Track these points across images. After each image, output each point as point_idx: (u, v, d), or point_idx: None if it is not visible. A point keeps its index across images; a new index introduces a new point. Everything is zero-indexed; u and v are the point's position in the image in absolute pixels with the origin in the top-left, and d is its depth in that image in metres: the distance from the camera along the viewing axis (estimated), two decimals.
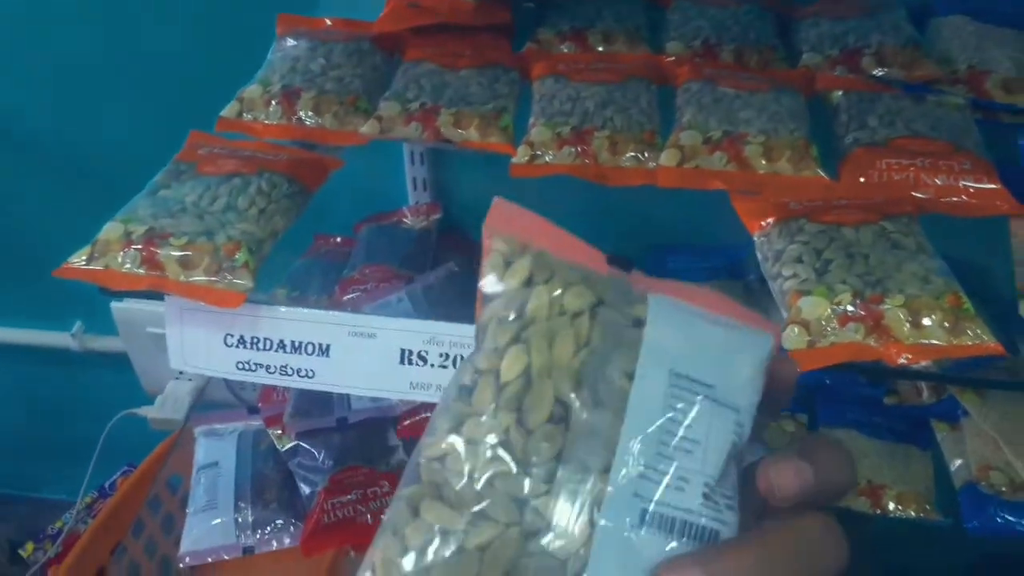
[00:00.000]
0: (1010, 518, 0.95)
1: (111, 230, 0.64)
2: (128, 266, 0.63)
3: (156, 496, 1.20)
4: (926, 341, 0.57)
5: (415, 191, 1.18)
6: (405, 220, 1.18)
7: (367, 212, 1.20)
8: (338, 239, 1.22)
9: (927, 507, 0.99)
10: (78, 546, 1.06)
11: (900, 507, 0.99)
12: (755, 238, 0.67)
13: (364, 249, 1.13)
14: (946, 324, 0.57)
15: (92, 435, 1.38)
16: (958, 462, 1.01)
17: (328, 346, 0.63)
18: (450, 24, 0.86)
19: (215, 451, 1.04)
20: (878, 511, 0.99)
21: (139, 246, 0.63)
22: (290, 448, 1.00)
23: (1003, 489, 0.96)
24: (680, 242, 1.14)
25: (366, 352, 0.62)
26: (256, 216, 0.66)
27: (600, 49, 0.87)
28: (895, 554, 1.19)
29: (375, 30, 0.86)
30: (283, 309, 0.63)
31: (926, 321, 0.57)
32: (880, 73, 0.81)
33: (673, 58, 0.84)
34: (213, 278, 0.62)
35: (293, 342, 0.63)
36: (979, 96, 0.79)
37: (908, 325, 0.57)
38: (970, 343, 0.56)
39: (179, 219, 0.64)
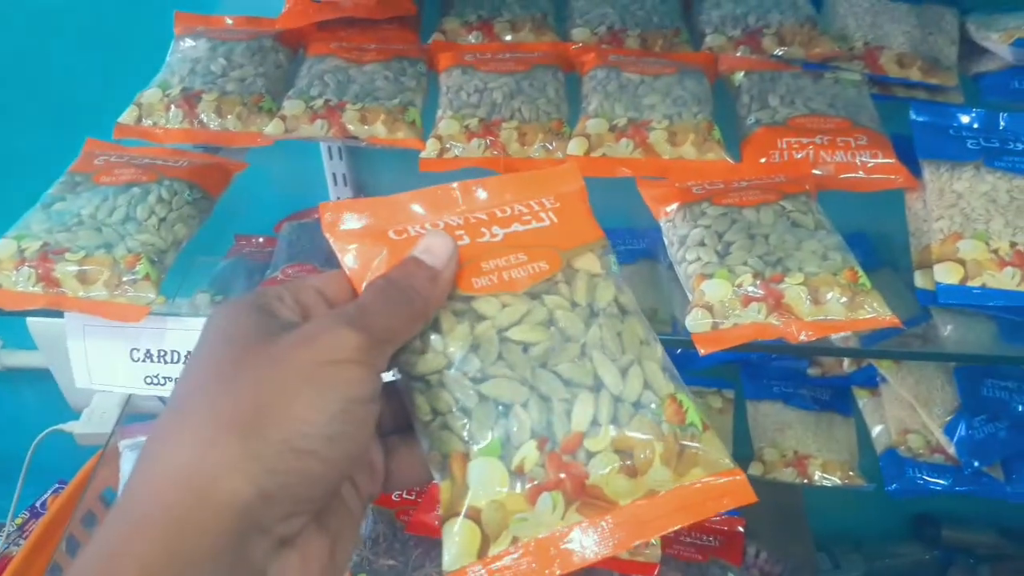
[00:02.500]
0: (928, 478, 0.99)
1: (3, 248, 0.62)
2: (23, 285, 0.61)
3: (90, 512, 1.17)
4: (825, 317, 0.58)
5: (335, 186, 1.17)
6: None
7: (288, 210, 1.18)
8: (260, 239, 1.19)
9: (851, 473, 1.02)
10: (10, 569, 1.04)
11: (826, 475, 1.02)
12: (661, 223, 0.68)
13: (286, 248, 1.11)
14: (844, 300, 0.58)
15: (18, 454, 1.34)
16: (879, 428, 1.04)
17: None
18: (354, 18, 0.85)
19: None
20: (804, 480, 1.02)
21: (34, 263, 0.61)
22: None
23: (920, 451, 0.99)
24: (604, 226, 1.15)
25: None
26: (156, 226, 0.64)
27: (508, 38, 0.87)
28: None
29: (277, 26, 0.85)
30: (189, 319, 0.62)
31: (825, 298, 0.58)
32: (780, 52, 0.82)
33: (579, 45, 0.84)
34: (114, 292, 0.60)
35: None
36: (875, 71, 0.81)
37: (808, 302, 0.58)
38: (868, 317, 0.58)
39: (75, 233, 0.63)
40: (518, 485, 0.35)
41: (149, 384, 0.62)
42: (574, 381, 0.37)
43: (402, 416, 0.39)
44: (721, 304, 0.59)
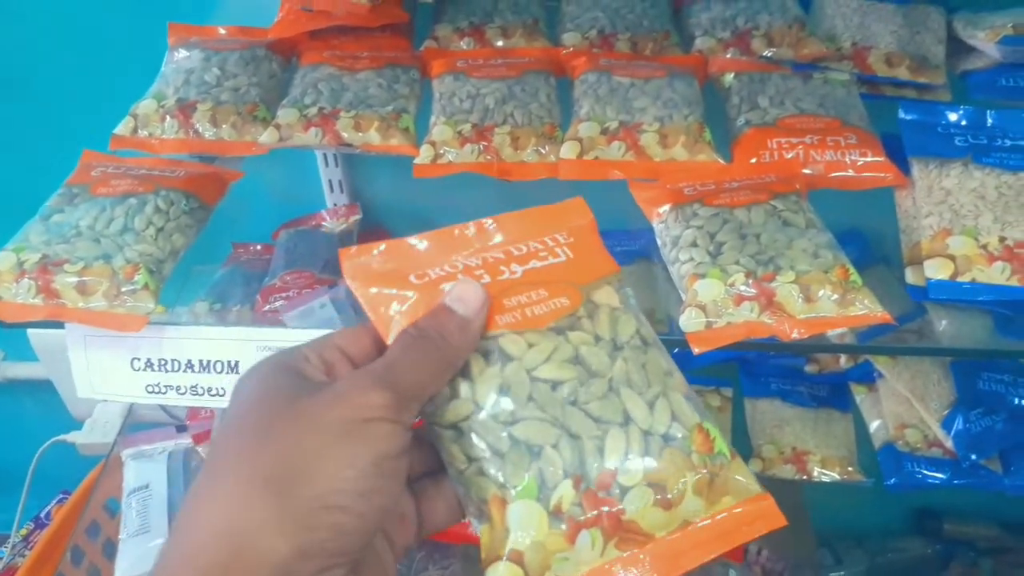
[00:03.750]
0: (926, 472, 0.99)
1: (3, 260, 0.63)
2: (23, 297, 0.61)
3: (94, 522, 1.17)
4: (817, 315, 0.59)
5: (332, 193, 1.18)
6: (324, 223, 1.17)
7: (285, 218, 1.19)
8: (258, 247, 1.20)
9: (850, 469, 1.03)
10: None
11: (825, 471, 1.02)
12: (654, 225, 0.68)
13: (284, 255, 1.11)
14: (835, 297, 0.59)
15: (22, 465, 1.34)
16: (876, 423, 1.05)
17: (237, 363, 0.62)
18: (347, 26, 0.86)
19: (145, 473, 1.03)
20: (804, 476, 1.03)
21: (33, 275, 0.61)
22: None
23: (918, 446, 1.00)
24: (604, 228, 1.15)
25: None
26: (154, 236, 0.65)
27: (500, 44, 0.88)
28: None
29: (270, 36, 0.85)
30: (188, 328, 0.62)
31: (817, 295, 0.59)
32: (769, 53, 0.83)
33: (570, 49, 0.85)
34: (113, 303, 0.61)
35: (201, 361, 0.63)
36: (863, 71, 0.82)
37: (800, 300, 0.59)
38: (859, 313, 0.59)
39: (74, 244, 0.63)
40: (557, 525, 0.35)
41: (150, 393, 0.63)
42: (604, 418, 0.38)
43: (429, 460, 0.40)
44: (714, 303, 0.59)
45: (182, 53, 0.83)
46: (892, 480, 1.00)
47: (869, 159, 0.71)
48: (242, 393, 0.35)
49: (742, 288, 0.60)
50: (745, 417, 1.09)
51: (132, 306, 0.60)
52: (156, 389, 0.63)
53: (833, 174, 0.71)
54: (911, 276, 0.66)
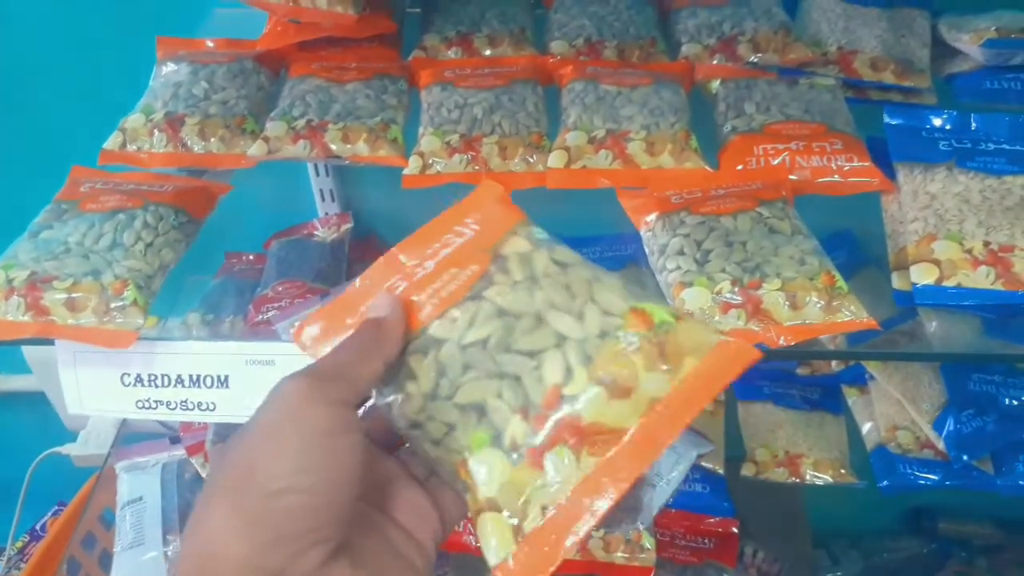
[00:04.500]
0: (918, 473, 1.00)
1: None
2: (12, 314, 0.61)
3: (89, 534, 1.17)
4: (804, 321, 0.59)
5: (323, 202, 1.18)
6: (316, 233, 1.17)
7: (277, 227, 1.19)
8: (250, 256, 1.20)
9: (842, 471, 1.03)
10: None
11: (817, 473, 1.03)
12: (641, 234, 0.69)
13: (276, 265, 1.12)
14: (822, 303, 0.59)
15: (17, 477, 1.34)
16: (868, 425, 1.05)
17: (227, 377, 0.63)
18: (335, 37, 0.86)
19: (139, 486, 1.03)
20: (796, 479, 1.03)
21: (22, 292, 0.61)
22: None
23: (910, 447, 1.00)
24: (592, 234, 1.16)
25: (266, 380, 0.61)
26: (143, 251, 0.65)
27: (488, 52, 0.88)
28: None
29: (258, 48, 0.86)
30: (178, 343, 0.63)
31: (803, 302, 0.59)
32: (755, 59, 0.83)
33: (557, 58, 0.85)
34: (103, 319, 0.61)
35: (191, 376, 0.63)
36: (849, 75, 0.83)
37: (786, 307, 0.59)
38: (845, 320, 0.59)
39: (63, 261, 0.63)
40: (518, 460, 0.36)
41: (141, 408, 0.63)
42: (537, 348, 0.39)
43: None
44: (701, 311, 0.60)
45: (170, 67, 0.84)
46: (885, 482, 1.00)
47: (855, 164, 0.72)
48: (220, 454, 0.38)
49: (728, 296, 0.60)
50: (738, 421, 1.09)
51: (121, 322, 0.60)
52: (146, 404, 0.63)
53: (819, 180, 0.71)
54: (897, 281, 0.66)
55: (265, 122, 0.78)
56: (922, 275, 0.63)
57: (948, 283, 0.62)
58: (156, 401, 0.63)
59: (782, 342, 0.58)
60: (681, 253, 0.63)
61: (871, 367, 1.06)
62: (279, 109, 0.79)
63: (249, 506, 0.33)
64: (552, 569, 0.34)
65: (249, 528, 0.33)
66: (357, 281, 0.44)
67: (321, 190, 1.15)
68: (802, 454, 1.04)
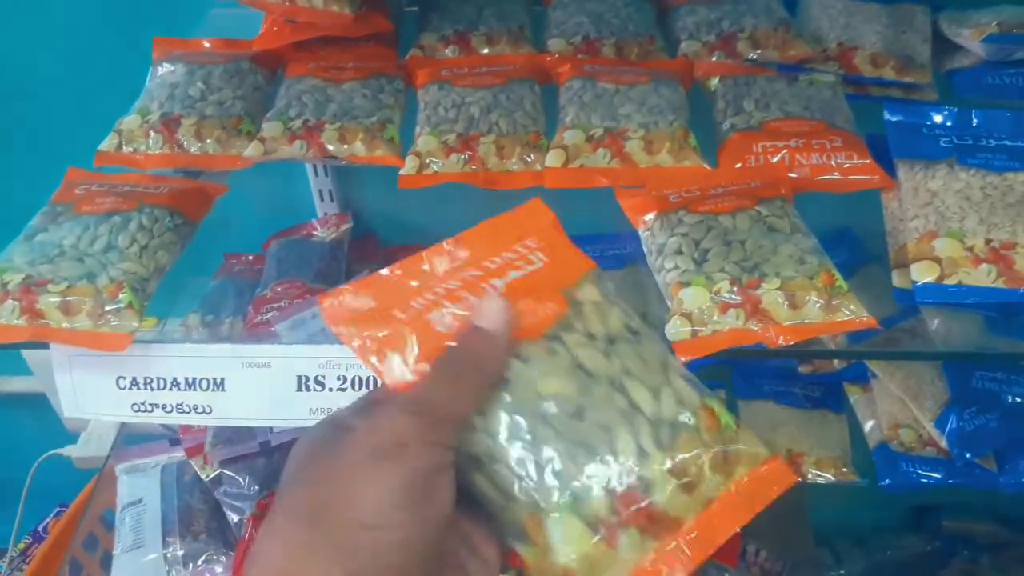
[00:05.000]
0: (921, 471, 0.99)
1: None
2: (7, 318, 0.61)
3: (91, 535, 1.17)
4: (803, 321, 0.59)
5: (322, 203, 1.18)
6: (315, 233, 1.17)
7: (276, 227, 1.19)
8: (249, 257, 1.20)
9: (844, 470, 1.03)
10: None
11: (819, 472, 1.02)
12: (640, 233, 0.68)
13: (275, 266, 1.11)
14: (821, 303, 0.59)
15: (18, 479, 1.34)
16: (870, 423, 1.05)
17: (223, 379, 0.62)
18: (332, 37, 0.86)
19: (138, 488, 1.03)
20: (798, 478, 1.02)
21: (17, 296, 0.61)
22: (214, 477, 0.99)
23: (913, 445, 1.00)
24: (594, 232, 1.15)
25: (262, 382, 0.62)
26: (138, 254, 0.64)
27: (486, 51, 0.87)
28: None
29: (254, 48, 0.85)
30: (174, 346, 0.62)
31: (802, 302, 0.59)
32: (755, 56, 0.83)
33: (555, 56, 0.85)
34: (98, 322, 0.61)
35: (187, 378, 0.62)
36: (849, 72, 0.82)
37: (785, 307, 0.59)
38: (845, 319, 0.59)
39: (58, 264, 0.63)
40: (597, 530, 0.36)
41: (137, 412, 0.63)
42: (611, 421, 0.38)
43: None
44: (699, 311, 0.59)
45: (166, 68, 0.83)
46: (887, 480, 1.00)
47: (855, 162, 0.71)
48: (294, 455, 0.37)
49: (727, 295, 0.59)
50: (739, 419, 1.08)
51: (116, 325, 0.60)
52: (142, 408, 0.63)
53: (819, 177, 0.71)
54: (897, 279, 0.65)
55: (261, 123, 0.78)
56: (923, 273, 0.62)
57: (949, 281, 0.62)
58: (152, 404, 0.63)
59: (781, 342, 0.58)
60: (679, 252, 0.63)
61: (873, 365, 1.05)
62: (275, 109, 0.78)
63: (341, 536, 0.33)
64: None
65: (339, 556, 0.33)
66: (397, 272, 0.42)
67: (320, 190, 1.15)
68: (804, 453, 1.03)
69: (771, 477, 0.38)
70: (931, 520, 1.51)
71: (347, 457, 0.34)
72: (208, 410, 0.62)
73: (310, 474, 0.35)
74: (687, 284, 0.61)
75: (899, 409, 1.03)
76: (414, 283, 0.41)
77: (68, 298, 0.61)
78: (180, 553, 0.95)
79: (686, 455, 0.37)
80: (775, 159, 0.72)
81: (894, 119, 0.73)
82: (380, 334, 0.39)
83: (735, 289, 0.60)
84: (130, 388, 0.63)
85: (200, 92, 0.80)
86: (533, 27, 0.90)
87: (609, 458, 0.37)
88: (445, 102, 0.79)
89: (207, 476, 0.99)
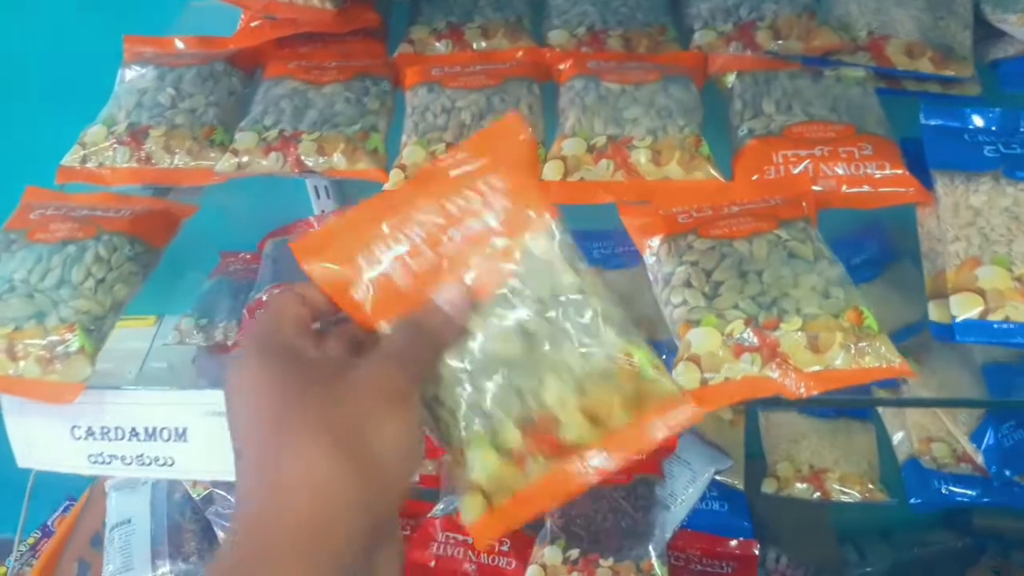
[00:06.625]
0: (954, 488, 0.93)
1: None
2: None
3: (97, 533, 1.15)
4: (827, 367, 0.52)
5: (319, 199, 1.12)
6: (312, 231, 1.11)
7: (273, 224, 1.13)
8: (246, 255, 1.15)
9: (871, 486, 0.96)
10: None
11: (844, 489, 0.96)
12: (645, 259, 0.62)
13: (271, 267, 1.06)
14: (848, 345, 0.52)
15: (24, 472, 1.31)
16: (899, 434, 0.98)
17: (185, 429, 0.57)
18: (315, 33, 0.79)
19: (127, 507, 0.98)
20: (821, 495, 0.96)
21: None
22: (205, 496, 0.94)
23: (946, 461, 0.93)
24: (602, 229, 1.08)
25: (226, 431, 0.56)
26: (93, 289, 0.59)
27: (484, 44, 0.80)
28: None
29: (231, 46, 0.79)
30: (130, 393, 0.57)
31: (826, 344, 0.52)
32: (776, 47, 0.75)
33: (556, 49, 0.78)
34: (46, 369, 0.55)
35: (147, 428, 0.57)
36: (881, 64, 0.74)
37: (807, 351, 0.52)
38: (875, 365, 0.52)
39: (6, 302, 0.58)
40: (506, 458, 0.43)
41: (94, 463, 0.58)
42: (545, 373, 0.43)
43: None
44: (710, 356, 0.53)
45: (136, 71, 0.77)
46: (916, 499, 0.93)
47: (887, 172, 0.64)
48: (259, 381, 0.39)
49: (741, 338, 0.53)
50: (760, 431, 1.02)
51: (65, 372, 0.55)
52: (100, 459, 0.58)
53: (846, 191, 0.64)
54: (935, 312, 0.58)
55: (236, 131, 0.72)
56: (964, 307, 0.55)
57: (994, 317, 0.55)
58: (111, 456, 0.58)
59: (802, 392, 0.51)
60: (688, 285, 0.56)
61: None
62: (250, 117, 0.72)
63: (366, 461, 0.37)
64: (503, 533, 0.43)
65: (366, 472, 0.37)
66: (365, 210, 0.45)
67: (316, 187, 1.09)
68: (827, 468, 0.97)
69: (680, 415, 0.43)
70: (961, 516, 1.45)
71: (370, 394, 0.39)
72: (170, 462, 0.57)
73: (333, 399, 0.38)
74: (696, 323, 0.54)
75: (931, 420, 0.96)
76: (383, 228, 0.45)
77: (14, 342, 0.55)
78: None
79: (601, 399, 0.43)
80: (797, 170, 0.64)
81: (932, 123, 0.65)
82: (345, 275, 0.44)
83: (750, 330, 0.53)
84: (86, 438, 0.58)
85: (170, 99, 0.74)
86: (533, 16, 0.83)
87: (531, 403, 0.43)
88: (434, 107, 0.72)
89: (198, 495, 0.95)
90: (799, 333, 0.52)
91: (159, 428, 0.57)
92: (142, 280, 0.63)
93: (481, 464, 0.43)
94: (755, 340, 0.53)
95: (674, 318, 0.56)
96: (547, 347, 0.43)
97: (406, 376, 0.40)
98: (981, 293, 0.55)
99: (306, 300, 0.43)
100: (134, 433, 0.57)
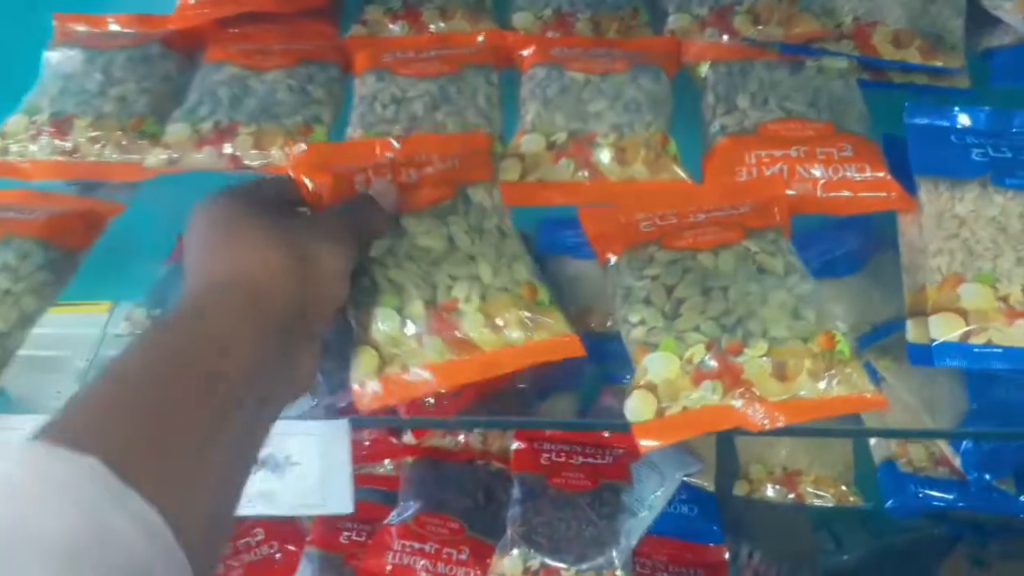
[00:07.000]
0: (930, 492, 0.90)
1: None
2: None
3: None
4: (794, 395, 0.48)
5: None
6: None
7: None
8: None
9: (844, 489, 0.93)
10: None
11: (817, 491, 0.93)
12: (605, 271, 0.57)
13: None
14: (818, 373, 0.48)
15: None
16: None
17: None
18: (262, 12, 0.73)
19: None
20: (793, 497, 0.93)
21: None
22: None
23: (923, 464, 0.90)
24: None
25: None
26: None
27: (442, 25, 0.75)
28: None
29: (168, 26, 0.73)
30: (38, 419, 0.52)
31: (795, 371, 0.48)
32: (754, 33, 0.70)
33: (520, 33, 0.72)
34: None
35: None
36: (865, 53, 0.69)
37: (773, 379, 0.48)
38: (846, 394, 0.48)
39: None
40: (409, 330, 0.50)
41: None
42: (458, 274, 0.51)
43: None
44: (667, 384, 0.49)
45: (64, 53, 0.71)
46: (891, 501, 0.90)
47: (867, 175, 0.59)
48: (223, 207, 0.45)
49: (701, 363, 0.49)
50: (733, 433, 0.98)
51: None
52: None
53: (823, 195, 0.59)
54: (913, 332, 0.54)
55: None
56: (943, 328, 0.51)
57: (976, 340, 0.51)
58: None
59: (766, 424, 0.47)
60: (647, 303, 0.52)
61: (882, 368, 0.94)
62: (184, 107, 0.67)
63: (313, 275, 0.44)
64: (386, 401, 0.49)
65: (304, 271, 0.43)
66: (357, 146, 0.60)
67: None
68: (801, 471, 0.93)
69: (563, 346, 0.50)
70: None
71: (307, 226, 0.46)
72: None
73: (275, 217, 0.45)
74: (653, 347, 0.50)
75: (910, 420, 0.92)
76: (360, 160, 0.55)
77: None
78: None
79: (499, 310, 0.50)
80: (771, 171, 0.60)
81: (916, 122, 0.60)
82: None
83: (711, 355, 0.49)
84: None
85: (98, 84, 0.68)
86: None
87: (441, 292, 0.50)
88: (383, 96, 0.67)
89: None
90: (764, 359, 0.48)
91: None
92: (57, 290, 0.58)
93: (384, 324, 0.49)
94: (716, 365, 0.48)
95: (630, 339, 0.51)
96: (463, 256, 0.52)
97: (346, 242, 0.47)
98: (963, 314, 0.51)
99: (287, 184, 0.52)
100: None
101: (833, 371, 0.48)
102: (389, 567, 0.82)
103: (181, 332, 0.39)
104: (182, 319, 0.40)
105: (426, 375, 0.48)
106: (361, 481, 0.97)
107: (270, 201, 0.48)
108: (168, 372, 0.37)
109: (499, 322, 0.49)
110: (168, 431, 0.35)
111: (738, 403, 0.48)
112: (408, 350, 0.49)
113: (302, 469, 0.63)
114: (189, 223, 0.46)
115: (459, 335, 0.49)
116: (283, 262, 0.42)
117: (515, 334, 0.49)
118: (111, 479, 0.30)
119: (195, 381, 0.37)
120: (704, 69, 0.68)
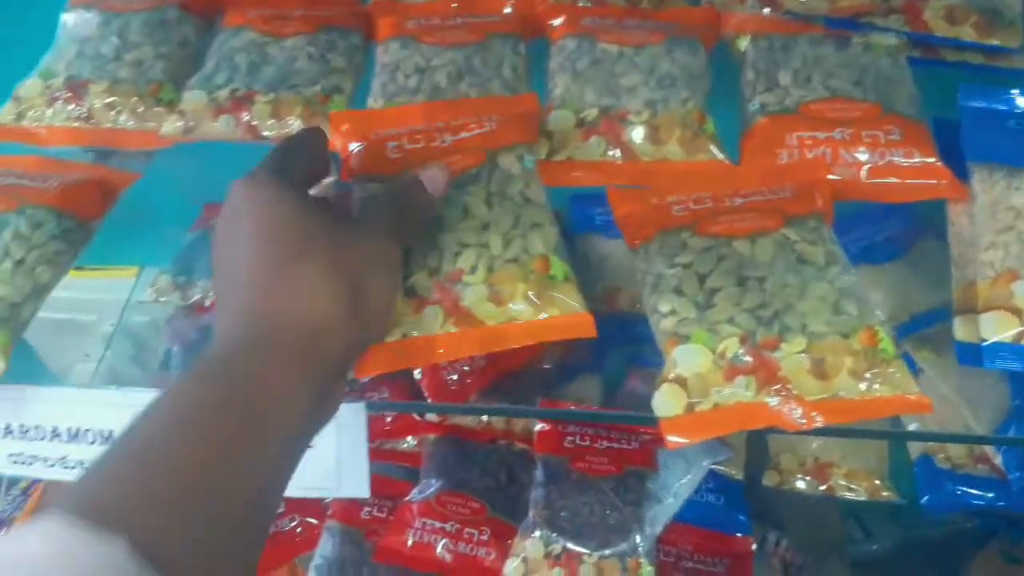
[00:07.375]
0: (968, 490, 0.87)
1: None
2: None
3: None
4: (834, 395, 0.45)
5: None
6: None
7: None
8: None
9: (878, 483, 0.90)
10: None
11: (851, 485, 0.90)
12: (635, 258, 0.54)
13: None
14: (859, 371, 0.45)
15: None
16: (914, 427, 0.91)
17: (111, 432, 0.51)
18: None
19: None
20: (824, 490, 0.90)
21: None
22: None
23: (961, 461, 0.87)
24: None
25: None
26: (10, 272, 0.53)
27: None
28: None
29: None
30: (52, 390, 0.51)
31: (834, 370, 0.45)
32: (798, 6, 0.66)
33: (549, 1, 0.69)
34: None
35: (70, 429, 0.51)
36: (916, 29, 0.65)
37: (811, 376, 0.45)
38: (888, 394, 0.45)
39: None
40: (412, 291, 0.49)
41: (15, 463, 0.52)
42: (467, 242, 0.50)
43: None
44: (698, 378, 0.46)
45: (80, 15, 0.69)
46: (927, 498, 0.87)
47: (915, 160, 0.56)
48: (279, 204, 0.42)
49: (735, 357, 0.46)
50: None
51: None
52: (20, 459, 0.52)
53: (868, 180, 0.56)
54: (961, 330, 0.51)
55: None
56: (995, 328, 0.48)
57: None
58: (32, 456, 0.52)
59: (803, 424, 0.44)
60: (678, 292, 0.49)
61: (921, 360, 0.91)
62: (200, 74, 0.64)
63: (357, 297, 0.42)
64: (383, 369, 0.47)
65: (354, 308, 0.42)
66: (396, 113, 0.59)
67: None
68: (833, 463, 0.90)
69: (573, 324, 0.47)
70: None
71: (359, 250, 0.43)
72: None
73: (329, 242, 0.42)
74: (684, 339, 0.47)
75: (950, 415, 0.88)
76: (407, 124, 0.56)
77: None
78: None
79: (505, 283, 0.48)
80: (813, 154, 0.56)
81: (971, 105, 0.57)
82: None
83: (746, 349, 0.46)
84: (4, 436, 0.52)
85: (114, 49, 0.66)
86: None
87: (447, 261, 0.49)
88: (406, 65, 0.64)
89: None
90: (802, 355, 0.45)
91: (83, 429, 0.51)
92: (71, 259, 0.56)
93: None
94: (751, 360, 0.46)
95: (660, 329, 0.49)
96: (475, 224, 0.50)
97: (397, 247, 0.46)
98: (1017, 313, 0.48)
99: (321, 141, 0.49)
100: (56, 433, 0.51)
101: (876, 370, 0.45)
102: (410, 544, 0.81)
103: (221, 394, 0.37)
104: (222, 376, 0.38)
105: (436, 346, 0.47)
106: (383, 457, 0.96)
107: (307, 196, 0.45)
108: (206, 447, 0.35)
109: (504, 295, 0.47)
110: (203, 512, 0.33)
111: (773, 401, 0.45)
112: (409, 320, 0.47)
113: (318, 452, 0.62)
114: (223, 216, 0.43)
115: (461, 306, 0.47)
116: (336, 310, 0.41)
117: (519, 308, 0.47)
118: (138, 565, 0.29)
119: (236, 460, 0.35)
120: (744, 43, 0.65)
